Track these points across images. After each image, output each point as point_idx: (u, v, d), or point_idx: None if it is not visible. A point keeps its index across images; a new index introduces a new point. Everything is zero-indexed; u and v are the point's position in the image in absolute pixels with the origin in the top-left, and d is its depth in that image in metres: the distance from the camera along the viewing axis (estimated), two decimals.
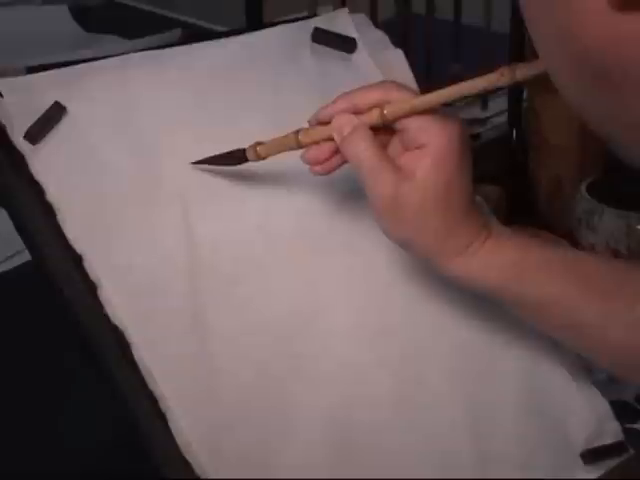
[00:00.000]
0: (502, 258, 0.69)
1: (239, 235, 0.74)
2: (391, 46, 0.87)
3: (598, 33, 0.43)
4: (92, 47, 1.39)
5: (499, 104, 1.20)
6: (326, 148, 0.69)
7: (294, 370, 0.71)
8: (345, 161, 0.69)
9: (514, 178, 1.12)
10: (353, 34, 0.85)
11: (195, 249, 0.72)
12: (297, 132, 0.70)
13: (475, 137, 1.19)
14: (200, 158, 0.74)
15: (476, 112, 1.22)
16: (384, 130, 0.68)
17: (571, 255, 0.72)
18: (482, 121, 1.20)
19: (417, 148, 0.67)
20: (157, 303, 0.69)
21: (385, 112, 0.67)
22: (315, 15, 0.91)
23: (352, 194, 0.76)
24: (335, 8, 0.97)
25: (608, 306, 0.68)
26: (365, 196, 0.69)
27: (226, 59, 0.80)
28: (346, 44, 0.84)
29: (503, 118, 1.17)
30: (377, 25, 0.89)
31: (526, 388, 0.77)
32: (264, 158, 0.71)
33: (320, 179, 0.73)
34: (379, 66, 0.84)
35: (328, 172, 0.70)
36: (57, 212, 0.69)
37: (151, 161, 0.74)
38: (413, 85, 0.85)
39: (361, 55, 0.84)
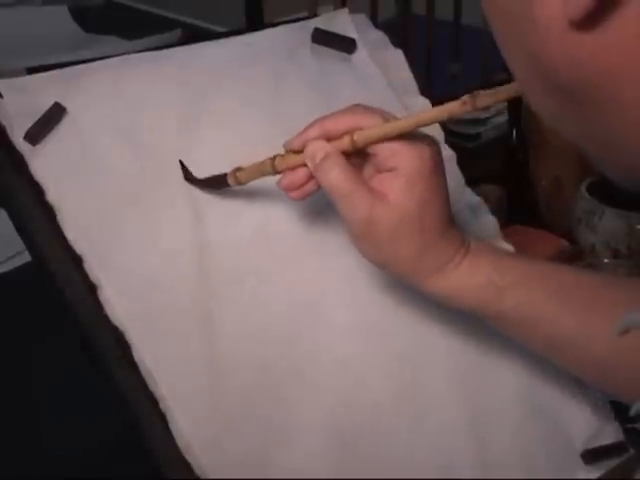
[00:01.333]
0: (479, 277, 0.69)
1: (240, 236, 0.73)
2: (391, 46, 0.87)
3: (561, 53, 0.43)
4: (92, 48, 1.39)
5: (499, 104, 1.20)
6: (301, 174, 0.69)
7: (295, 372, 0.71)
8: (319, 187, 0.69)
9: (514, 178, 1.12)
10: (353, 34, 0.85)
11: (196, 250, 0.72)
12: (273, 158, 0.70)
13: (475, 137, 1.19)
14: (199, 158, 0.74)
15: (477, 113, 1.22)
16: (353, 156, 0.68)
17: (549, 269, 0.72)
18: (482, 121, 1.20)
19: (388, 170, 0.67)
20: (157, 304, 0.69)
21: (355, 139, 0.67)
22: (315, 15, 0.91)
23: None
24: (335, 8, 0.97)
25: (589, 320, 0.68)
26: None
27: (226, 59, 0.80)
28: (346, 44, 0.84)
29: (503, 118, 1.17)
30: (377, 25, 0.89)
31: (526, 389, 0.77)
32: (244, 183, 0.72)
33: None
34: (379, 66, 0.84)
35: (304, 197, 0.70)
36: (57, 212, 0.69)
37: (151, 161, 0.74)
38: (413, 85, 0.85)
39: (361, 55, 0.85)
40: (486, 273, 0.69)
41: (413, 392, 0.74)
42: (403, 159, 0.66)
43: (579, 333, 0.69)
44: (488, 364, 0.77)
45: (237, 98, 0.79)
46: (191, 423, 0.67)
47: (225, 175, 0.72)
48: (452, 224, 0.70)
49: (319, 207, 0.76)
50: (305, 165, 0.68)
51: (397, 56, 0.87)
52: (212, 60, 0.80)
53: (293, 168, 0.69)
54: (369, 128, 0.67)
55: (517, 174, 1.13)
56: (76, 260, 0.68)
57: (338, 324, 0.74)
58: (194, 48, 0.81)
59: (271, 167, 0.70)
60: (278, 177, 0.74)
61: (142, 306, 0.69)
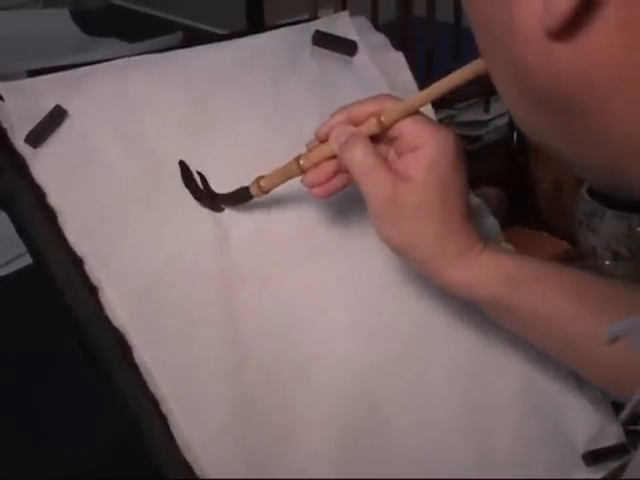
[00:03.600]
0: (501, 267, 0.69)
1: (240, 239, 0.74)
2: (392, 49, 0.87)
3: (540, 61, 0.43)
4: (93, 50, 1.39)
5: (501, 106, 1.20)
6: (325, 169, 0.69)
7: (295, 372, 0.71)
8: (345, 184, 0.70)
9: (515, 180, 1.12)
10: (354, 37, 0.85)
11: (196, 252, 0.72)
12: (298, 158, 0.70)
13: (476, 139, 1.19)
14: (200, 161, 0.74)
15: (478, 114, 1.22)
16: (379, 143, 0.69)
17: (563, 269, 0.72)
18: (484, 123, 1.20)
19: (412, 151, 0.68)
20: (158, 305, 0.69)
21: (382, 119, 0.68)
22: (316, 18, 0.91)
23: (350, 198, 0.77)
24: (336, 11, 0.97)
25: (600, 321, 0.68)
26: (362, 199, 0.69)
27: (227, 62, 0.81)
28: (347, 47, 0.84)
29: (504, 120, 1.17)
30: (377, 28, 0.89)
31: (527, 389, 0.77)
32: (268, 192, 0.72)
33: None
34: (380, 69, 0.85)
35: (328, 195, 0.70)
36: (58, 215, 0.69)
37: (152, 164, 0.74)
38: (414, 87, 0.85)
39: (362, 58, 0.85)
40: (505, 266, 0.69)
41: (414, 391, 0.74)
42: (428, 137, 0.67)
43: (593, 334, 0.67)
44: (488, 363, 0.77)
45: (238, 101, 0.79)
46: (192, 424, 0.67)
47: (246, 188, 0.72)
48: (470, 216, 0.70)
49: (318, 208, 0.76)
50: (330, 158, 0.69)
51: (398, 58, 0.87)
52: (213, 63, 0.80)
53: (318, 163, 0.69)
54: (394, 106, 0.68)
55: (518, 176, 1.13)
56: (77, 262, 0.69)
57: (338, 325, 0.74)
58: (195, 51, 0.81)
59: (296, 167, 0.70)
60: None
61: (143, 307, 0.69)
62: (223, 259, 0.72)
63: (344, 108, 0.70)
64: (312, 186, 0.70)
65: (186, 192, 0.74)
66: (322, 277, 0.75)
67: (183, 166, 0.74)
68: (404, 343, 0.75)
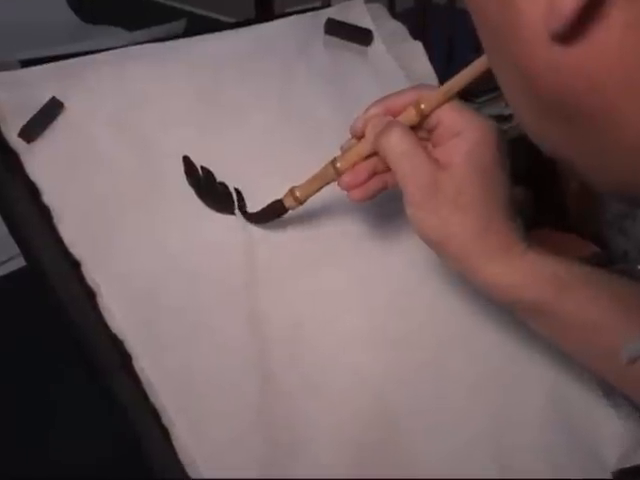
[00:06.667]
0: (549, 268, 0.67)
1: (246, 240, 0.74)
2: (409, 38, 0.87)
3: (544, 68, 0.43)
4: (90, 39, 1.39)
5: None
6: (362, 169, 0.68)
7: (303, 382, 0.71)
8: (384, 187, 0.69)
9: (541, 178, 1.12)
10: (369, 25, 0.85)
11: (198, 254, 0.72)
12: (333, 161, 0.69)
13: None
14: (203, 156, 0.74)
15: (501, 108, 1.22)
16: (419, 128, 0.68)
17: (614, 277, 0.70)
18: (507, 117, 1.20)
19: (453, 137, 0.66)
20: (159, 311, 0.69)
21: (422, 106, 0.67)
22: (329, 5, 0.91)
23: (368, 203, 0.76)
24: None
25: None
26: (378, 204, 0.69)
27: (233, 52, 0.81)
28: (361, 36, 0.84)
29: None
30: (394, 16, 0.89)
31: (553, 402, 0.77)
32: (304, 202, 0.71)
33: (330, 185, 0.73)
34: (397, 59, 0.84)
35: (366, 198, 0.69)
36: (53, 214, 0.69)
37: (152, 159, 0.74)
38: (433, 78, 0.85)
39: (377, 47, 0.85)
40: (553, 268, 0.67)
41: (432, 401, 0.73)
42: (470, 121, 0.66)
43: None
44: (513, 374, 0.76)
45: (245, 93, 0.79)
46: (193, 435, 0.67)
47: (279, 201, 0.72)
48: (515, 214, 0.68)
49: (331, 211, 0.76)
50: (368, 157, 0.68)
51: (416, 48, 0.87)
52: (219, 53, 0.80)
53: (356, 164, 0.68)
54: (433, 93, 0.67)
55: (544, 174, 1.12)
56: (73, 265, 0.69)
57: (350, 332, 0.74)
58: (200, 40, 0.81)
59: (333, 170, 0.69)
60: None
61: (142, 313, 0.69)
62: (229, 262, 0.72)
63: (380, 100, 0.69)
64: (349, 188, 0.68)
65: (188, 190, 0.74)
66: (334, 284, 0.75)
67: (187, 162, 0.74)
68: (422, 353, 0.75)
